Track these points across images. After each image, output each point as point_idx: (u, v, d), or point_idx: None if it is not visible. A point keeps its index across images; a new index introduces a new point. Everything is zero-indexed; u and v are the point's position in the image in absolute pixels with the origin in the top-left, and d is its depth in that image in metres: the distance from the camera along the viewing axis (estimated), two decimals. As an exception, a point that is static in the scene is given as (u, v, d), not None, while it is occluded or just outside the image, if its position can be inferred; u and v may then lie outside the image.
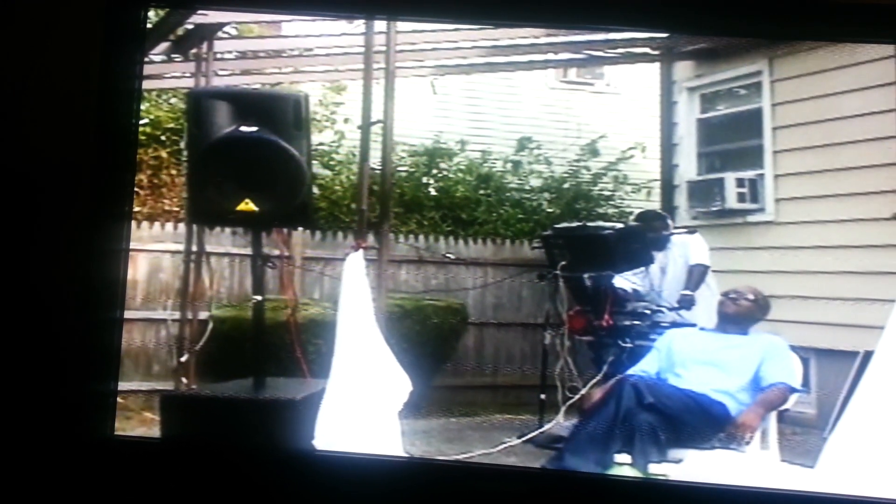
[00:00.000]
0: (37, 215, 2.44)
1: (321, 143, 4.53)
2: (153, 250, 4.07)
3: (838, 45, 3.39)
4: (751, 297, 3.24)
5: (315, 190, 3.89)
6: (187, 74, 4.21)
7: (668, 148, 4.58)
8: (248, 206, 2.98)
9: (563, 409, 3.45)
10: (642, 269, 3.74)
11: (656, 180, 4.60)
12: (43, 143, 2.46)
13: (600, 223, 4.16)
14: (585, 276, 3.62)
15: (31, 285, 2.42)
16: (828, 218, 3.78)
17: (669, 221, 3.92)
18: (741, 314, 3.22)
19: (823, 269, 3.69)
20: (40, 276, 2.43)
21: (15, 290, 2.41)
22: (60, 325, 2.36)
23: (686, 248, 3.84)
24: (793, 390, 3.05)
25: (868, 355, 2.82)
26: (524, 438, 3.44)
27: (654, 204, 4.53)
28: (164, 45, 3.99)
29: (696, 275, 3.76)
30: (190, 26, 3.98)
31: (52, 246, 2.43)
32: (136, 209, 3.52)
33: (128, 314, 2.55)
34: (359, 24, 3.81)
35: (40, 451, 2.31)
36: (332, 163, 4.61)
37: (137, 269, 3.96)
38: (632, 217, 4.33)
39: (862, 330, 3.22)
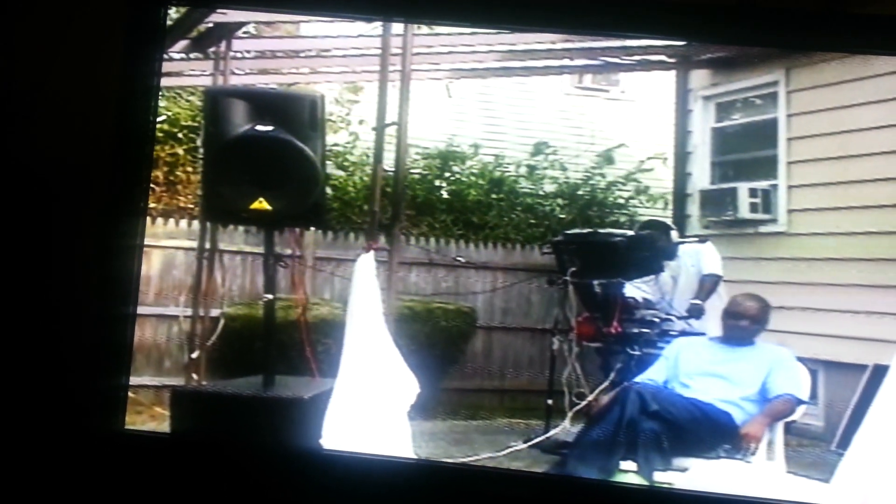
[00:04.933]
0: (53, 210, 2.46)
1: (336, 144, 4.54)
2: (167, 247, 4.09)
3: (855, 57, 3.37)
4: (750, 304, 3.23)
5: (328, 190, 3.90)
6: (205, 73, 4.24)
7: (682, 156, 4.57)
8: (261, 204, 3.00)
9: (569, 414, 3.46)
10: (652, 277, 3.74)
11: (668, 190, 4.59)
12: (61, 139, 2.49)
13: (611, 230, 4.15)
14: (595, 282, 3.62)
15: (45, 279, 2.45)
16: (840, 230, 3.76)
17: (673, 233, 3.90)
18: (740, 325, 3.21)
19: (834, 281, 3.67)
20: (55, 270, 2.46)
21: (29, 284, 2.44)
22: (74, 319, 2.39)
23: (698, 257, 3.82)
24: (800, 402, 3.05)
25: (877, 369, 2.80)
26: (530, 443, 3.44)
27: (667, 213, 4.52)
28: (183, 43, 4.01)
29: (708, 284, 3.74)
30: (209, 25, 4.01)
31: (68, 241, 2.46)
32: (152, 205, 3.54)
33: (140, 310, 2.57)
34: (376, 26, 3.82)
35: (52, 444, 2.34)
36: (345, 164, 4.62)
37: (151, 266, 3.99)
38: (636, 227, 4.32)
39: (871, 343, 3.21)
